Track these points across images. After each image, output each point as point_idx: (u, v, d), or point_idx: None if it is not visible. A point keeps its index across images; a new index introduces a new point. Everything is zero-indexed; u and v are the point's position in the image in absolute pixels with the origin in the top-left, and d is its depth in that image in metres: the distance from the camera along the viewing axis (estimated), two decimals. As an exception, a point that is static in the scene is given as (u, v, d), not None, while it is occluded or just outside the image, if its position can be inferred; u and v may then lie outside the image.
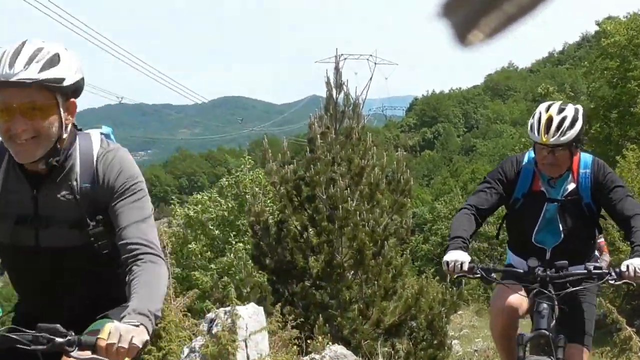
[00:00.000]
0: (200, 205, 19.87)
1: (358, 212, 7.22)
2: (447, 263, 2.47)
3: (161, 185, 79.89)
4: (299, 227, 7.60)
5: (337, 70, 8.21)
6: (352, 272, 7.22)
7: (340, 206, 7.22)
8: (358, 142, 8.04)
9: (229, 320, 4.49)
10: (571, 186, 2.67)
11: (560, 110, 2.56)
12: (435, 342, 6.52)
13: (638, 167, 8.08)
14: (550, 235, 2.68)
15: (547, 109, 2.57)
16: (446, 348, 6.80)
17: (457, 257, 2.47)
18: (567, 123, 2.51)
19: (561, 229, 2.66)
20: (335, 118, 8.06)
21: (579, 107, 2.67)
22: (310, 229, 7.54)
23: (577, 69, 32.18)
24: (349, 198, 7.28)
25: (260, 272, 7.64)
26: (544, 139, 2.50)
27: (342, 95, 8.16)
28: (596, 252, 3.03)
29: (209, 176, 73.47)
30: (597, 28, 15.30)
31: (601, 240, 3.20)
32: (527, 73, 61.39)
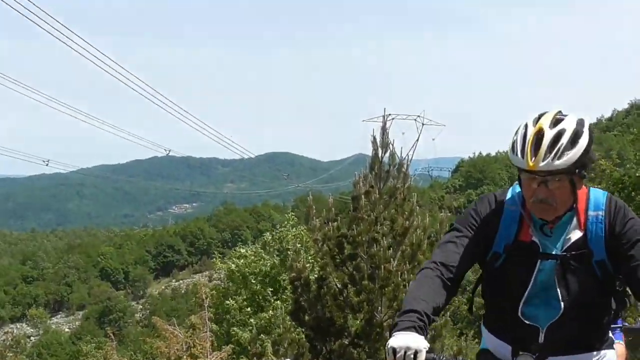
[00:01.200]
0: (243, 260, 20.12)
1: (399, 272, 7.26)
2: (394, 351, 1.60)
3: (204, 238, 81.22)
4: (339, 285, 7.64)
5: (384, 130, 8.40)
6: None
7: (382, 266, 7.30)
8: (402, 202, 8.06)
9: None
10: (576, 235, 1.82)
11: (556, 122, 1.73)
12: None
13: None
14: (544, 308, 1.83)
15: (537, 121, 1.75)
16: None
17: (408, 342, 1.60)
18: (565, 140, 1.68)
19: (560, 298, 1.81)
20: (380, 177, 8.19)
21: (584, 118, 1.79)
22: (351, 288, 7.56)
23: (625, 136, 33.16)
24: (391, 258, 7.36)
25: (298, 328, 7.68)
26: (531, 164, 1.68)
27: (387, 154, 8.31)
28: (615, 334, 2.35)
29: (253, 231, 74.60)
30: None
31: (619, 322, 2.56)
32: None
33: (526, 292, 1.80)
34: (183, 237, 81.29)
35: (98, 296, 50.91)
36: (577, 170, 1.71)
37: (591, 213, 1.81)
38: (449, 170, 69.94)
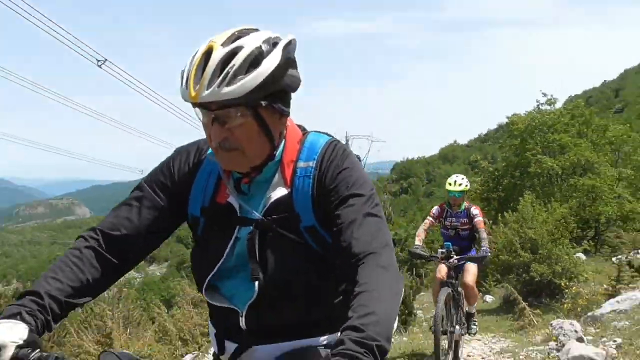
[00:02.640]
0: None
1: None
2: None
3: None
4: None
5: (347, 144, 12.00)
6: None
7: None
8: None
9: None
10: (279, 193, 1.35)
11: (234, 40, 1.24)
12: (406, 311, 9.26)
13: (532, 205, 12.35)
14: (242, 286, 1.37)
15: (209, 46, 1.25)
16: (413, 315, 9.99)
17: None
18: (239, 61, 1.20)
19: (254, 274, 1.35)
20: None
21: (279, 35, 1.31)
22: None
23: (495, 145, 46.30)
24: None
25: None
26: (193, 93, 1.21)
27: None
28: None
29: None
30: (506, 120, 25.10)
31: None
32: (465, 147, 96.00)
33: (216, 267, 1.36)
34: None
35: (176, 252, 72.79)
36: (264, 102, 1.25)
37: (301, 164, 1.35)
38: (389, 169, 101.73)
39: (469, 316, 6.31)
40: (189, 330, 6.19)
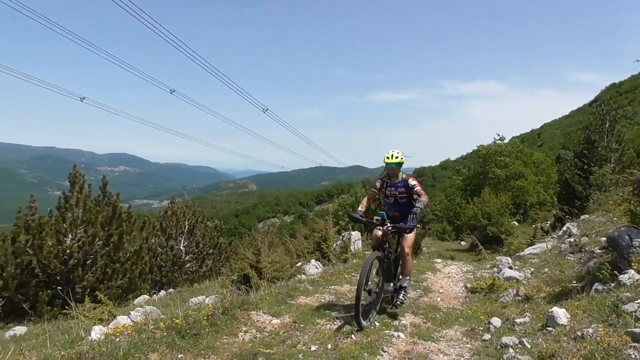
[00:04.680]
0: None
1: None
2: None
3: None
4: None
5: None
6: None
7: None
8: None
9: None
10: None
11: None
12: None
13: (488, 194, 25.77)
14: None
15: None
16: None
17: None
18: None
19: None
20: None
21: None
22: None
23: (470, 160, 67.45)
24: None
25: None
26: None
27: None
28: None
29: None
30: (476, 147, 47.03)
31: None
32: (453, 161, 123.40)
33: None
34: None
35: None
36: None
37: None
38: (411, 172, 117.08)
39: (400, 288, 6.50)
40: (300, 249, 10.72)
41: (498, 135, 47.75)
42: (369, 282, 5.74)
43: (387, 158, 6.29)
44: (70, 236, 12.75)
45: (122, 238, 13.54)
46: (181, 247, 17.81)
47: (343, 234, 13.02)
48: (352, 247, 12.50)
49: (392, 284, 6.40)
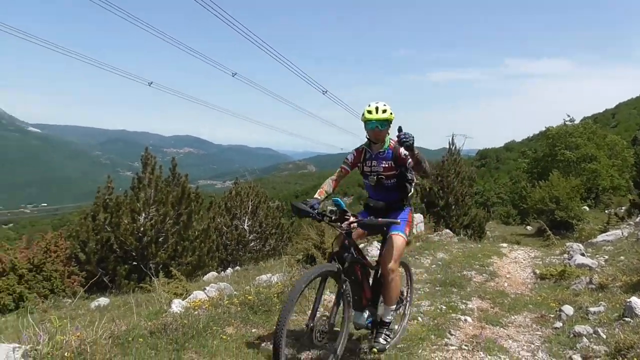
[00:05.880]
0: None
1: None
2: None
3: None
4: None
5: (453, 140, 15.65)
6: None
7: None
8: (461, 168, 15.23)
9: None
10: None
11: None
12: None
13: (557, 178, 25.06)
14: None
15: None
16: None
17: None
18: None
19: None
20: (452, 154, 15.11)
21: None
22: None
23: (537, 142, 61.07)
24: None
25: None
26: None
27: (454, 148, 16.80)
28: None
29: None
30: (545, 128, 44.55)
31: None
32: (519, 142, 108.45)
33: None
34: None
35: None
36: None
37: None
38: (475, 153, 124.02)
39: (381, 324, 4.16)
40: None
41: (568, 116, 44.23)
42: (316, 313, 3.52)
43: (368, 112, 4.04)
44: (143, 215, 13.48)
45: (191, 217, 14.16)
46: (245, 227, 18.39)
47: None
48: (414, 230, 12.53)
49: (365, 314, 4.03)
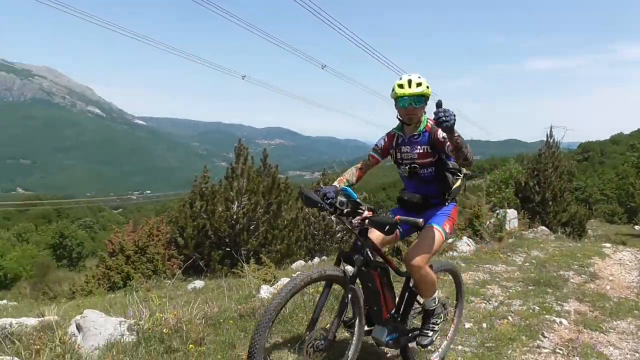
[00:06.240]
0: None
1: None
2: None
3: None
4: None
5: (551, 133, 14.97)
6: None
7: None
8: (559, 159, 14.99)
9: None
10: None
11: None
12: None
13: None
14: None
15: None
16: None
17: None
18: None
19: None
20: (551, 148, 14.10)
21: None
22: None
23: None
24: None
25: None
26: None
27: (552, 140, 15.71)
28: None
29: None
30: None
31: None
32: (626, 135, 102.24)
33: None
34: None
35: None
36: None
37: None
38: (576, 147, 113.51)
39: (427, 314, 3.59)
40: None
41: None
42: (315, 325, 2.92)
43: (399, 87, 3.34)
44: (236, 203, 14.12)
45: (281, 207, 14.61)
46: (332, 218, 18.64)
47: (497, 211, 12.48)
48: (507, 226, 11.96)
49: (387, 330, 3.30)
